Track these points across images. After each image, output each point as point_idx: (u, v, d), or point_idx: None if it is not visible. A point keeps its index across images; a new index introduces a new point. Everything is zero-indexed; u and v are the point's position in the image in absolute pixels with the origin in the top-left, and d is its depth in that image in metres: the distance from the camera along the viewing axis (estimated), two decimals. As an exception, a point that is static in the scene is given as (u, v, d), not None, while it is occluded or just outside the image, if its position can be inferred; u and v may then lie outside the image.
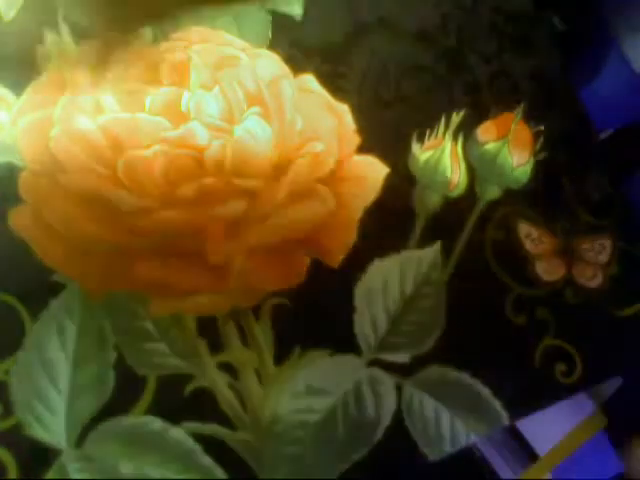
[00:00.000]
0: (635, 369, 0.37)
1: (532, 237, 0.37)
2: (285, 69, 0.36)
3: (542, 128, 0.38)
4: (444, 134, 0.37)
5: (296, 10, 0.37)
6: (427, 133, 0.37)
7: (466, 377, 0.34)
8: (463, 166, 0.37)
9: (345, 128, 0.35)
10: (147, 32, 0.35)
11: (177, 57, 0.34)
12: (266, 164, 0.33)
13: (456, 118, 0.37)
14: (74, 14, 0.34)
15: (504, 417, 0.34)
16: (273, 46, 0.36)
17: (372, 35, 0.38)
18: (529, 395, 0.35)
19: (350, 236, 0.34)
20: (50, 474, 0.30)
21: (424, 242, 0.36)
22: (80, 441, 0.30)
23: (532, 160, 0.38)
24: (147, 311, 0.32)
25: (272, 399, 0.32)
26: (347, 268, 0.34)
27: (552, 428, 0.36)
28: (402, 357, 0.34)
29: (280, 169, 0.33)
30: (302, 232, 0.33)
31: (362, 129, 0.36)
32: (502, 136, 0.37)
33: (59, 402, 0.30)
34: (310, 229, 0.33)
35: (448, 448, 0.33)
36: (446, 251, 0.36)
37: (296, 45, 0.37)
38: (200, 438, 0.31)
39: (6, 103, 0.33)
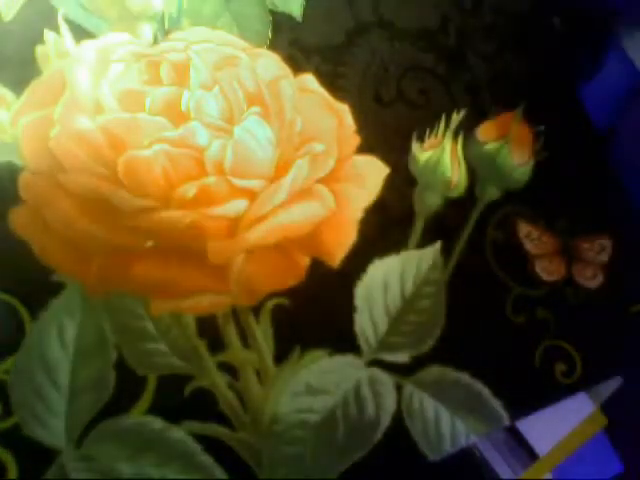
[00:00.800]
0: (635, 369, 0.37)
1: (532, 237, 0.37)
2: (285, 69, 0.36)
3: (542, 128, 0.38)
4: (444, 134, 0.37)
5: (296, 10, 0.37)
6: (427, 133, 0.37)
7: (466, 377, 0.34)
8: (463, 166, 0.37)
9: (345, 128, 0.35)
10: (147, 32, 0.35)
11: (177, 57, 0.34)
12: (266, 164, 0.33)
13: (456, 118, 0.37)
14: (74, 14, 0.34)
15: (504, 417, 0.34)
16: (273, 46, 0.36)
17: (372, 35, 0.38)
18: (529, 395, 0.35)
19: (350, 236, 0.34)
20: (50, 474, 0.30)
21: (424, 242, 0.36)
22: (80, 441, 0.30)
23: (532, 160, 0.38)
24: (147, 311, 0.32)
25: (272, 399, 0.32)
26: (347, 268, 0.34)
27: (552, 428, 0.36)
28: (402, 357, 0.34)
29: (280, 169, 0.33)
30: (302, 232, 0.33)
31: (362, 129, 0.36)
32: (502, 136, 0.37)
33: (59, 402, 0.30)
34: (310, 229, 0.33)
35: (448, 448, 0.33)
36: (446, 251, 0.36)
37: (296, 45, 0.37)
38: (200, 438, 0.31)
39: (6, 103, 0.33)
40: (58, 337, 0.31)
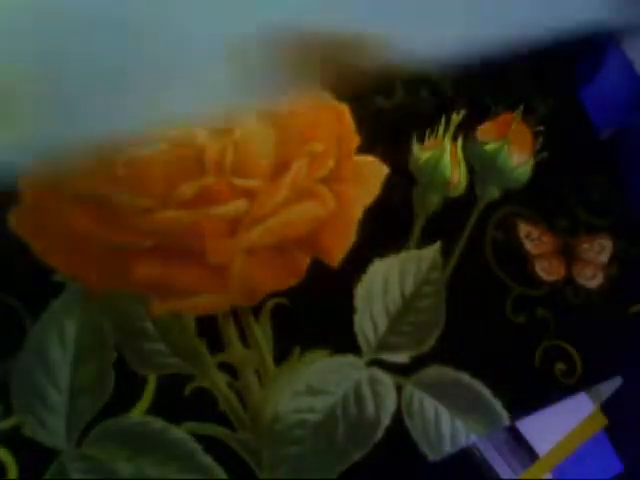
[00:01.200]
0: (635, 369, 0.37)
1: (532, 237, 0.37)
2: (285, 69, 0.36)
3: (542, 128, 0.38)
4: (444, 134, 0.37)
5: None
6: (427, 133, 0.37)
7: (466, 377, 0.34)
8: (463, 166, 0.37)
9: (345, 128, 0.35)
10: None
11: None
12: (266, 164, 0.33)
13: (456, 118, 0.37)
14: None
15: (504, 417, 0.34)
16: (273, 46, 0.36)
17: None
18: (529, 395, 0.35)
19: (350, 236, 0.34)
20: (50, 474, 0.30)
21: (424, 242, 0.36)
22: (80, 441, 0.30)
23: (532, 160, 0.38)
24: (147, 311, 0.32)
25: (272, 399, 0.32)
26: (347, 268, 0.34)
27: (552, 428, 0.36)
28: (402, 357, 0.34)
29: (280, 169, 0.33)
30: (302, 232, 0.33)
31: (362, 129, 0.36)
32: (502, 136, 0.37)
33: (59, 402, 0.30)
34: (310, 229, 0.33)
35: (448, 448, 0.33)
36: (446, 251, 0.36)
37: (296, 45, 0.37)
38: (200, 438, 0.31)
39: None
40: (58, 337, 0.31)
